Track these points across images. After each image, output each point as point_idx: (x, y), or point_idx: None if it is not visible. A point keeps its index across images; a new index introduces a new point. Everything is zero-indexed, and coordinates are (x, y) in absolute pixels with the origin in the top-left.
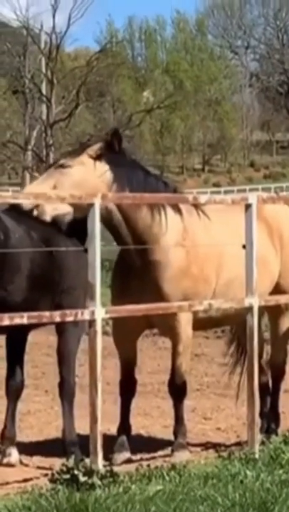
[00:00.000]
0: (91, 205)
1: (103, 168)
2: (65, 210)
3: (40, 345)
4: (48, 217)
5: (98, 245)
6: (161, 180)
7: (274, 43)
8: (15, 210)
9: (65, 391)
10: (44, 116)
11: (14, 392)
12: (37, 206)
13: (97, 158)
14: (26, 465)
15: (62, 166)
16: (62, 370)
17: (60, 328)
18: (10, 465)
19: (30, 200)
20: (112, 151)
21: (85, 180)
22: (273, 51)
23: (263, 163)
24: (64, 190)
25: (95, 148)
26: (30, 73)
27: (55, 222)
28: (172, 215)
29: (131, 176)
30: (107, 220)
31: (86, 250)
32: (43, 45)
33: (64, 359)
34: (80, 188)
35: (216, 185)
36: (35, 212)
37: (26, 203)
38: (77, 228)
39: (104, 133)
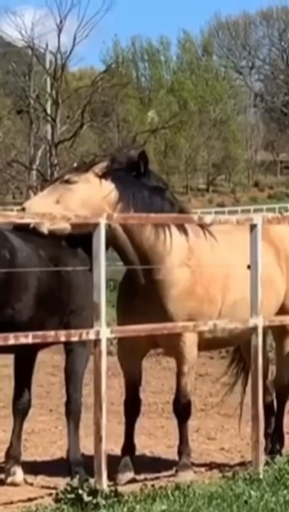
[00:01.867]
0: (96, 225)
1: (108, 187)
2: (62, 224)
3: (45, 365)
4: (45, 230)
5: (103, 265)
6: (167, 200)
7: (279, 63)
8: (21, 228)
9: (71, 410)
10: (49, 136)
11: (21, 412)
12: None
13: (103, 176)
14: (31, 484)
15: (67, 182)
16: (69, 389)
17: (68, 347)
18: (14, 484)
19: (36, 219)
20: (119, 170)
21: (89, 198)
22: (278, 72)
23: (267, 183)
24: (67, 206)
25: (101, 166)
26: (35, 93)
27: (53, 236)
28: (177, 234)
29: (136, 196)
30: (112, 239)
31: (91, 270)
32: (48, 65)
33: (71, 378)
34: (83, 205)
35: (220, 205)
36: (32, 225)
37: (32, 222)
38: (86, 246)
39: (127, 150)
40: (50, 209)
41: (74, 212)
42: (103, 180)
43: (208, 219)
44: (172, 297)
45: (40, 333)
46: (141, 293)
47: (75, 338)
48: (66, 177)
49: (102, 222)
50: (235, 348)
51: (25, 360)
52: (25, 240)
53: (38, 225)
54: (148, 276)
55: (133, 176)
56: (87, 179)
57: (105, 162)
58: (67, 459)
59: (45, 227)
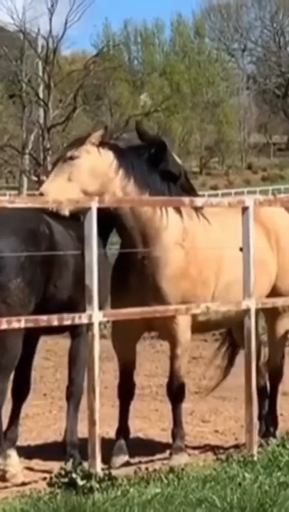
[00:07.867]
0: (88, 209)
1: (108, 155)
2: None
3: (38, 349)
4: (66, 212)
5: (95, 248)
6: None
7: (271, 45)
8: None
9: (73, 394)
10: (41, 120)
11: (20, 396)
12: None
13: (100, 145)
14: (26, 469)
15: (71, 158)
16: (72, 372)
17: (75, 332)
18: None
19: (28, 204)
20: (115, 141)
21: (94, 168)
22: (270, 53)
23: (260, 165)
24: (79, 181)
25: (97, 135)
26: (27, 77)
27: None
28: (173, 214)
29: (135, 165)
30: (115, 210)
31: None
32: (39, 49)
33: (76, 362)
34: (92, 176)
35: (214, 187)
36: (54, 208)
37: (22, 206)
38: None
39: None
40: (66, 189)
41: (87, 186)
42: (101, 149)
43: (199, 202)
44: (166, 276)
45: (32, 317)
46: (135, 272)
47: (67, 322)
48: (68, 154)
49: (94, 205)
50: (226, 331)
51: (28, 344)
52: (55, 218)
53: (59, 209)
54: (143, 253)
55: (129, 147)
56: (87, 151)
57: (100, 131)
58: (64, 441)
59: (66, 210)
